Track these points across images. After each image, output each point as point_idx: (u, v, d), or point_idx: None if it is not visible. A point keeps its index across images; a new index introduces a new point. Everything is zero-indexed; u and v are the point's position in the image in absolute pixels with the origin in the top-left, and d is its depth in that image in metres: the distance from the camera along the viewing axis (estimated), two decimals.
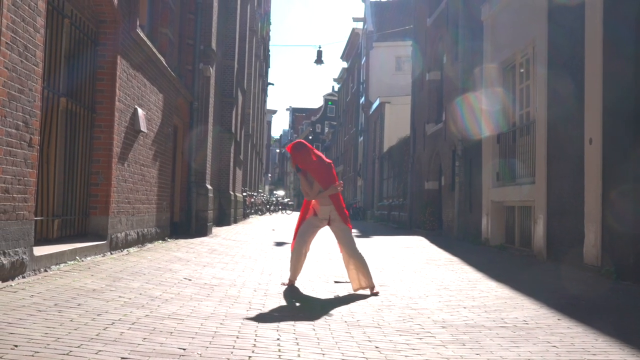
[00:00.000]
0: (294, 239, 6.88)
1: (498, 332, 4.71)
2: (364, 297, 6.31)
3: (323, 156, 6.97)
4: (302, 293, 6.45)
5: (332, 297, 6.34)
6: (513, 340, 4.41)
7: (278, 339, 4.17)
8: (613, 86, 7.99)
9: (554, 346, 4.24)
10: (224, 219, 18.38)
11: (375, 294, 6.46)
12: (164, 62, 10.54)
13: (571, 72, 9.24)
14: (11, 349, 3.27)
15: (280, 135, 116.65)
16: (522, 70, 12.16)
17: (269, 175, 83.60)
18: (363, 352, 3.99)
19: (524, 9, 11.58)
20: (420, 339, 4.48)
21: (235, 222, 20.46)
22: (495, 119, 13.07)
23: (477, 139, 14.19)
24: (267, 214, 35.22)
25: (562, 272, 8.43)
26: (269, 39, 43.34)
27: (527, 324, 5.01)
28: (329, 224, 6.79)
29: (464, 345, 4.30)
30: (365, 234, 18.81)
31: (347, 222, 6.81)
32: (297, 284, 6.87)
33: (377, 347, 4.15)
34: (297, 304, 5.85)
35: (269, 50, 45.12)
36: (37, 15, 5.55)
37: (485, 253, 11.68)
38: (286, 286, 6.74)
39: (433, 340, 4.45)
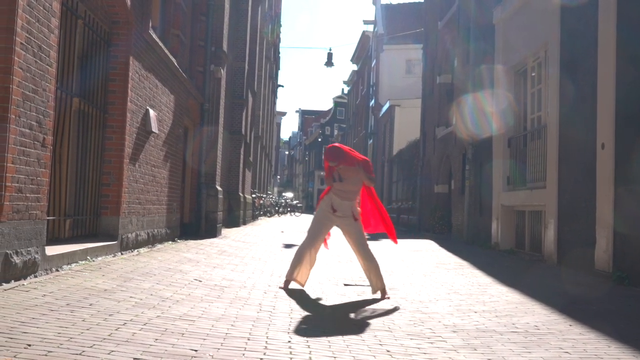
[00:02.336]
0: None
1: (509, 337, 4.69)
2: (374, 300, 6.30)
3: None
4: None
5: (342, 300, 6.32)
6: (525, 346, 4.39)
7: (289, 341, 4.16)
8: (626, 90, 7.94)
9: (567, 352, 4.21)
10: (233, 221, 18.40)
11: (386, 298, 6.44)
12: (176, 64, 10.58)
13: (584, 75, 9.20)
14: (24, 348, 3.28)
15: (290, 137, 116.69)
16: (533, 74, 12.12)
17: (278, 177, 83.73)
18: (374, 356, 3.98)
19: (536, 12, 11.55)
20: (432, 343, 4.47)
21: (244, 223, 20.48)
22: (506, 123, 13.03)
23: (487, 142, 14.15)
24: (276, 215, 35.25)
25: (573, 277, 8.39)
26: (279, 41, 43.39)
27: (538, 329, 4.98)
28: (354, 219, 6.62)
29: (475, 350, 4.28)
30: (374, 236, 18.73)
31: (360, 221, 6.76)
32: (305, 286, 6.83)
33: (388, 351, 4.14)
34: (307, 307, 5.84)
35: (279, 53, 45.17)
36: (51, 16, 5.58)
37: (495, 257, 11.65)
38: (282, 289, 6.62)
39: (444, 344, 4.43)
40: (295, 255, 6.72)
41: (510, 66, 12.93)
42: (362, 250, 6.63)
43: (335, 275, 8.17)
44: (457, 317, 5.50)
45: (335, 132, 79.11)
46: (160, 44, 9.46)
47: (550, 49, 10.64)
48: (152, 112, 9.19)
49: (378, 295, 6.49)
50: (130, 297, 5.10)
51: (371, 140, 42.51)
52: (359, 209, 6.74)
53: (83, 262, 6.58)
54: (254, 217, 25.75)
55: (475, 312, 5.75)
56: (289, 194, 56.34)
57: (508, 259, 11.24)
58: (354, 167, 6.58)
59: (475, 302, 6.37)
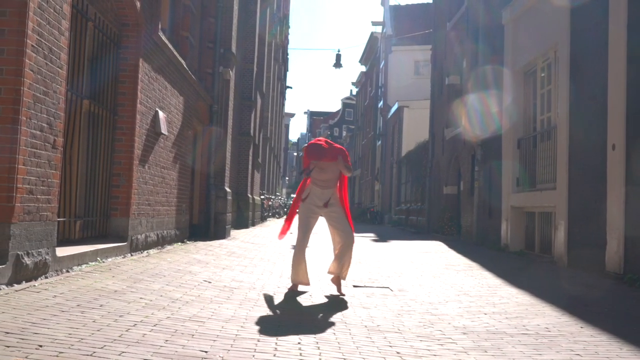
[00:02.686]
0: (287, 224, 6.87)
1: (520, 339, 4.67)
2: (384, 301, 6.29)
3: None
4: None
5: (351, 301, 6.31)
6: (536, 348, 4.37)
7: (299, 342, 4.16)
8: (637, 91, 7.90)
9: (578, 354, 4.19)
10: (242, 222, 18.43)
11: (342, 293, 6.54)
12: (185, 65, 10.60)
13: (594, 76, 9.16)
14: (36, 348, 3.29)
15: (298, 139, 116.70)
16: (543, 75, 12.08)
17: (287, 178, 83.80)
18: (384, 358, 3.97)
19: (545, 13, 11.50)
20: (442, 345, 4.45)
21: (253, 225, 20.50)
22: (516, 124, 12.99)
23: (497, 143, 14.11)
24: (285, 217, 35.26)
25: (583, 279, 8.35)
26: (287, 43, 43.42)
27: (549, 331, 4.96)
28: (325, 206, 6.62)
29: (485, 352, 4.26)
30: (383, 238, 18.77)
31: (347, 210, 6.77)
32: (314, 287, 6.85)
33: (398, 353, 4.12)
34: (316, 308, 5.83)
35: (287, 54, 45.21)
36: (62, 19, 5.60)
37: (504, 259, 11.61)
38: (291, 290, 6.58)
39: (454, 346, 4.41)
40: (293, 257, 6.65)
41: (519, 67, 12.89)
42: (345, 236, 6.62)
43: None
44: (467, 319, 5.48)
45: (344, 133, 79.13)
46: (170, 45, 9.49)
47: (560, 49, 10.60)
48: (161, 114, 9.22)
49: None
50: (140, 298, 5.12)
51: (380, 142, 42.48)
52: (338, 194, 6.74)
53: (93, 263, 6.60)
54: (263, 219, 25.78)
55: (485, 314, 5.73)
56: None
57: (518, 261, 11.20)
58: (335, 161, 6.56)
59: (485, 303, 6.35)
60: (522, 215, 12.73)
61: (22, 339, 3.44)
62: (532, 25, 12.29)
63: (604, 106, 8.62)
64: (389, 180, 37.60)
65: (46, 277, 5.43)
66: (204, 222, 13.03)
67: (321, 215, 6.74)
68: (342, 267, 6.64)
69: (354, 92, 70.30)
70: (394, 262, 10.50)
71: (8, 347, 3.27)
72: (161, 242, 9.65)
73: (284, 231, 7.02)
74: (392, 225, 32.48)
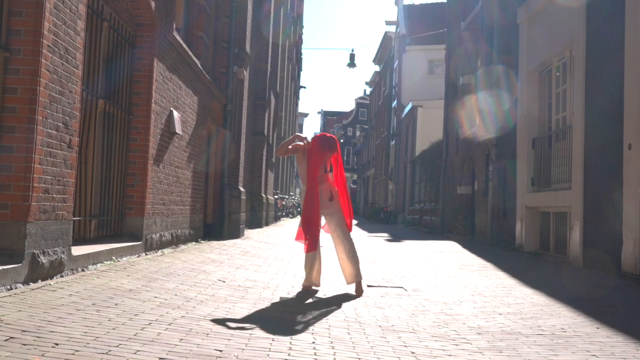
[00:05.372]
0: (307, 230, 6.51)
1: (535, 339, 4.64)
2: (398, 301, 6.27)
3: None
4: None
5: (366, 301, 6.29)
6: (551, 349, 4.34)
7: (313, 342, 4.16)
8: None
9: (594, 355, 4.16)
10: (255, 222, 18.46)
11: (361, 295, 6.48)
12: (199, 65, 10.63)
13: (610, 75, 9.09)
14: (52, 347, 3.31)
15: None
16: (558, 74, 12.00)
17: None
18: (399, 358, 3.96)
19: (561, 12, 11.43)
20: (456, 345, 4.43)
21: (267, 224, 20.53)
22: (530, 123, 12.91)
23: (511, 143, 14.04)
24: (298, 217, 35.31)
25: (599, 280, 8.28)
26: (301, 42, 43.44)
27: (565, 332, 4.92)
28: (330, 200, 6.59)
29: (500, 352, 4.24)
30: (396, 238, 18.73)
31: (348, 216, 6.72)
32: (329, 287, 6.84)
33: (413, 353, 4.11)
34: (331, 308, 5.82)
35: (301, 54, 45.23)
36: (77, 19, 5.64)
37: (519, 259, 11.54)
38: (308, 290, 6.58)
39: (469, 346, 4.39)
40: (306, 258, 6.66)
41: (534, 66, 12.82)
42: (343, 237, 6.61)
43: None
44: (482, 319, 5.46)
45: (358, 133, 79.09)
46: (184, 45, 9.52)
47: (575, 48, 10.53)
48: (176, 114, 9.25)
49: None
50: (155, 297, 5.14)
51: (393, 141, 42.37)
52: (336, 188, 6.71)
53: (108, 262, 6.64)
54: (276, 218, 25.82)
55: (500, 314, 5.70)
56: None
57: (532, 261, 11.14)
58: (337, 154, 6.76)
59: (499, 304, 6.31)
60: (536, 215, 12.65)
61: (38, 337, 3.46)
62: (547, 24, 12.22)
63: (620, 105, 8.55)
64: (402, 180, 37.50)
65: (62, 276, 5.47)
66: (217, 222, 13.06)
67: (322, 215, 6.73)
68: (356, 270, 6.60)
69: (368, 92, 70.25)
70: (408, 262, 10.48)
71: (25, 345, 3.29)
72: (175, 242, 9.68)
73: (311, 244, 6.53)
74: (406, 225, 32.39)
